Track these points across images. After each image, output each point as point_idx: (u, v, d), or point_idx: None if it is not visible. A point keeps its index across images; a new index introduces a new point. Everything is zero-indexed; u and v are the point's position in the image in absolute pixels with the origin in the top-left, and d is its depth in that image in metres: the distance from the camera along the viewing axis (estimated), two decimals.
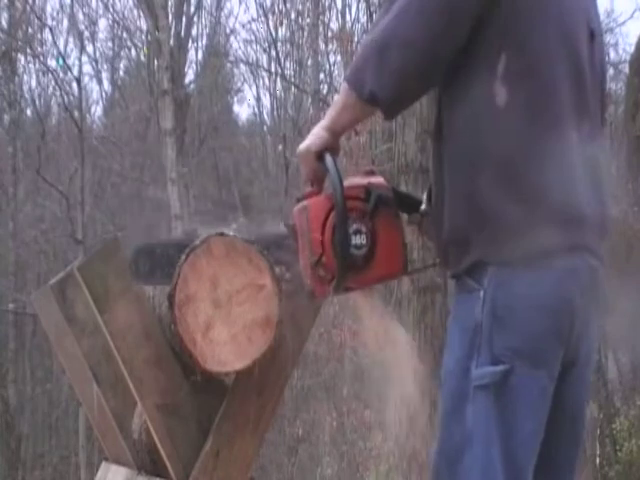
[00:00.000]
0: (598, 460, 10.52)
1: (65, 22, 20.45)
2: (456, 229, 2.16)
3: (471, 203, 2.13)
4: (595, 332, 2.24)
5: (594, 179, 2.17)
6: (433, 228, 2.26)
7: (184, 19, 18.42)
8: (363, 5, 17.10)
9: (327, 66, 17.84)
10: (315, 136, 2.26)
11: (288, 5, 17.62)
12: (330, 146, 2.26)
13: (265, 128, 21.31)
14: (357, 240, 2.23)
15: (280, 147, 17.99)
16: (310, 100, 17.66)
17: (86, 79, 25.62)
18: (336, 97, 2.27)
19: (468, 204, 2.13)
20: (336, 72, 18.00)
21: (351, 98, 2.20)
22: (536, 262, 2.10)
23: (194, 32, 19.66)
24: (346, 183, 2.25)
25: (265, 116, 21.30)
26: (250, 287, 2.47)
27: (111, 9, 19.98)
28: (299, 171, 19.29)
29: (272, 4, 18.10)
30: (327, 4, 17.42)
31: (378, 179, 2.32)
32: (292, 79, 18.85)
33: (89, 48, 21.09)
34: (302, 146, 2.28)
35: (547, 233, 2.09)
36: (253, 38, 19.59)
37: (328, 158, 2.24)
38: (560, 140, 2.12)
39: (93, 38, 20.95)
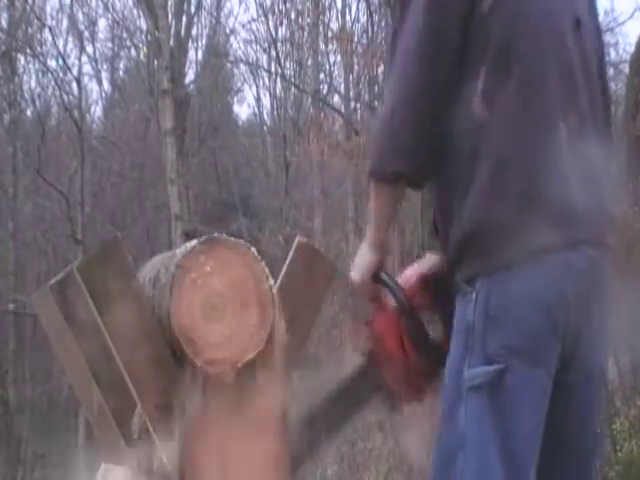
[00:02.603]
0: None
1: (65, 22, 20.47)
2: (453, 249, 2.19)
3: (462, 220, 2.16)
4: (600, 323, 2.22)
5: (588, 175, 2.17)
6: (442, 253, 2.30)
7: (184, 19, 18.42)
8: (363, 5, 17.11)
9: (327, 66, 17.86)
10: (364, 266, 2.33)
11: (288, 5, 17.63)
12: (379, 264, 2.32)
13: (265, 128, 21.31)
14: (433, 330, 2.30)
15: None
16: (310, 100, 17.66)
17: (86, 79, 25.66)
18: (370, 201, 2.32)
19: (459, 222, 2.16)
20: (336, 72, 18.01)
21: (379, 189, 2.26)
22: (528, 260, 2.11)
23: (194, 32, 19.68)
24: (403, 282, 2.32)
25: (265, 116, 21.31)
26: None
27: (111, 9, 20.01)
28: (299, 172, 19.21)
29: (272, 4, 18.11)
30: (327, 4, 17.43)
31: (430, 261, 2.37)
32: (292, 79, 18.86)
33: (89, 48, 21.12)
34: (356, 279, 2.35)
35: (538, 232, 2.11)
36: (253, 38, 19.60)
37: (384, 277, 2.32)
38: (549, 138, 2.13)
39: (93, 38, 20.97)
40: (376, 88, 15.14)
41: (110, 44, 21.82)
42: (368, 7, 16.03)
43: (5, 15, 19.18)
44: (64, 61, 19.12)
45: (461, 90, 2.15)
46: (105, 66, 22.26)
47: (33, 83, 20.90)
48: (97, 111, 23.55)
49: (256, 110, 23.35)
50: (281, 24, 18.04)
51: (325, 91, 17.86)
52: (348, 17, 18.05)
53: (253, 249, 2.51)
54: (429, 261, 2.38)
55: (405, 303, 2.28)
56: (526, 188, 2.11)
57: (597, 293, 2.19)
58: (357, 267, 2.35)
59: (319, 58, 17.33)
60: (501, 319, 2.11)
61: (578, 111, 2.21)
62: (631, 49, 11.67)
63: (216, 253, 2.47)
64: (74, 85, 19.05)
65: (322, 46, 17.01)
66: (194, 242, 2.50)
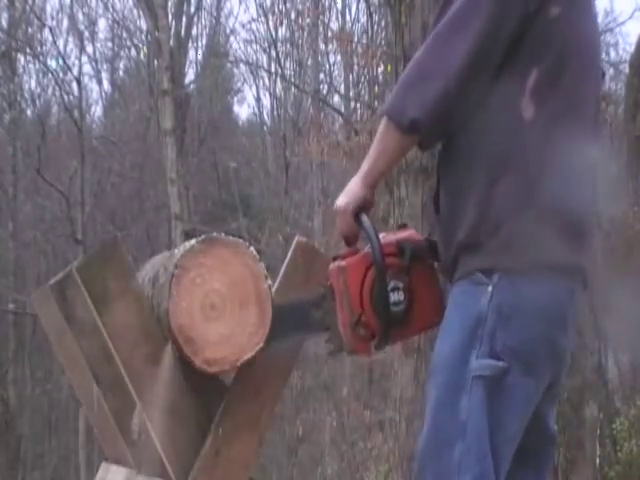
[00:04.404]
0: (598, 460, 10.51)
1: (65, 22, 20.48)
2: (470, 234, 2.19)
3: (487, 209, 2.17)
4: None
5: (595, 194, 2.27)
6: (441, 240, 2.29)
7: (184, 19, 18.44)
8: (363, 5, 17.12)
9: (327, 66, 17.87)
10: (353, 195, 2.30)
11: (288, 5, 17.64)
12: (366, 203, 2.30)
13: (265, 128, 21.30)
14: (395, 297, 2.28)
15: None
16: (310, 100, 17.66)
17: (86, 79, 25.67)
18: (375, 139, 2.29)
19: (484, 209, 2.17)
20: (336, 72, 18.02)
21: (389, 131, 2.23)
22: (544, 274, 2.15)
23: (194, 32, 19.69)
24: (381, 239, 2.29)
25: (265, 116, 21.30)
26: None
27: (111, 9, 20.03)
28: (299, 172, 19.13)
29: (272, 4, 18.13)
30: (327, 4, 17.45)
31: (411, 233, 2.37)
32: (292, 79, 18.85)
33: (89, 48, 21.13)
34: (340, 204, 2.31)
35: (557, 247, 2.16)
36: (253, 38, 19.60)
37: (365, 219, 2.28)
38: (581, 159, 2.17)
39: (93, 38, 20.99)
40: (376, 88, 15.13)
41: (110, 44, 21.85)
42: (368, 7, 16.04)
43: (5, 15, 19.22)
44: (64, 61, 19.15)
45: (505, 80, 2.17)
46: (105, 66, 22.29)
47: (33, 83, 20.94)
48: (97, 111, 23.60)
49: (256, 110, 23.39)
50: (281, 24, 18.05)
51: (325, 91, 17.88)
52: (348, 17, 18.11)
53: (252, 248, 2.51)
54: (408, 233, 2.37)
55: (380, 255, 2.24)
56: (554, 199, 2.15)
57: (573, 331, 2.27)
58: (346, 194, 2.31)
59: (319, 58, 17.34)
60: (512, 320, 2.14)
61: (601, 133, 2.32)
62: (631, 49, 11.68)
63: (215, 252, 2.47)
64: (74, 85, 19.08)
65: (322, 46, 17.02)
66: (193, 242, 2.50)
